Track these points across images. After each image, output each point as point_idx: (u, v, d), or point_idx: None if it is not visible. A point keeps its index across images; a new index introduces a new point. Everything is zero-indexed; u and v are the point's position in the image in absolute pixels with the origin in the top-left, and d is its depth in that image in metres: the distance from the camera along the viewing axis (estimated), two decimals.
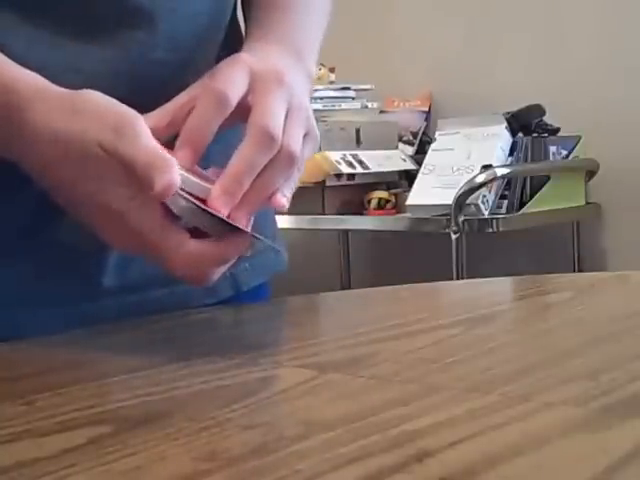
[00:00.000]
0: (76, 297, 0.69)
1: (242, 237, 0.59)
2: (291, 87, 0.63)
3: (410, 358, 0.54)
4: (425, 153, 2.32)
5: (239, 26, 0.80)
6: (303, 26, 0.75)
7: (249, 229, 0.60)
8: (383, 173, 2.40)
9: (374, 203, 2.35)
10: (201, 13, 0.71)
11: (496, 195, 2.14)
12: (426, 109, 2.67)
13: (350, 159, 2.34)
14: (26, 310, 0.68)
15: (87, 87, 0.59)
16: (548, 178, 2.23)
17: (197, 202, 0.57)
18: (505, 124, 2.20)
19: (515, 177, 2.18)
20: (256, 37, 0.71)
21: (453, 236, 2.07)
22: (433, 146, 2.30)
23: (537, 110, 2.27)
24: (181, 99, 0.62)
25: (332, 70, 2.56)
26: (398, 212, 2.32)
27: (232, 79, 0.61)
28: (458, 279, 2.03)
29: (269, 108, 0.61)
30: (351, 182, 2.36)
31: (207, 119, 0.60)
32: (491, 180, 2.09)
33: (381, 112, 2.64)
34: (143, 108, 0.60)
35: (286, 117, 0.62)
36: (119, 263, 0.70)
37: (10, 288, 0.68)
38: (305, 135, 0.64)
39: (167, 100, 0.63)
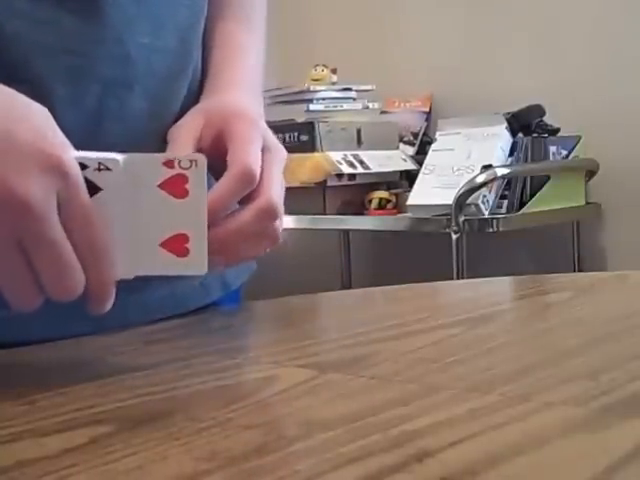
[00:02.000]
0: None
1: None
2: (260, 127, 0.65)
3: (410, 358, 0.54)
4: (426, 153, 2.32)
5: None
6: (253, 64, 0.78)
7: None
8: (384, 173, 2.40)
9: (375, 203, 2.35)
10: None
11: (496, 195, 2.14)
12: (427, 109, 2.67)
13: (351, 159, 2.34)
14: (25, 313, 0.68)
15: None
16: (548, 178, 2.23)
17: None
18: (505, 124, 2.20)
19: (515, 177, 2.18)
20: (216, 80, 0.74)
21: (453, 236, 2.07)
22: (434, 146, 2.30)
23: (537, 110, 2.27)
24: (191, 133, 0.64)
25: (334, 71, 2.57)
26: (399, 212, 2.32)
27: (248, 149, 0.62)
28: (458, 279, 2.03)
29: (247, 147, 0.62)
30: (352, 182, 2.36)
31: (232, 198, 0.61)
32: (491, 180, 2.09)
33: (382, 112, 2.64)
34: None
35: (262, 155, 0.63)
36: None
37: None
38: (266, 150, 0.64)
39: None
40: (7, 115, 0.51)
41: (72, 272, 0.50)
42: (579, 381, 0.47)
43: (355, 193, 2.37)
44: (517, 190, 2.18)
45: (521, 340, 0.61)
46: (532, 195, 2.19)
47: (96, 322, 0.67)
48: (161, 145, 0.65)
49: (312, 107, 2.42)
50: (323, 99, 2.46)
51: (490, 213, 2.12)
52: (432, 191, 2.17)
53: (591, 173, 2.34)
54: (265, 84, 0.79)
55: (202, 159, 0.55)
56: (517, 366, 0.52)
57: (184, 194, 0.55)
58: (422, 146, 2.56)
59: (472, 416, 0.41)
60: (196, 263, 0.54)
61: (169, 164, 0.54)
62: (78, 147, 0.53)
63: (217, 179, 0.60)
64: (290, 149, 2.36)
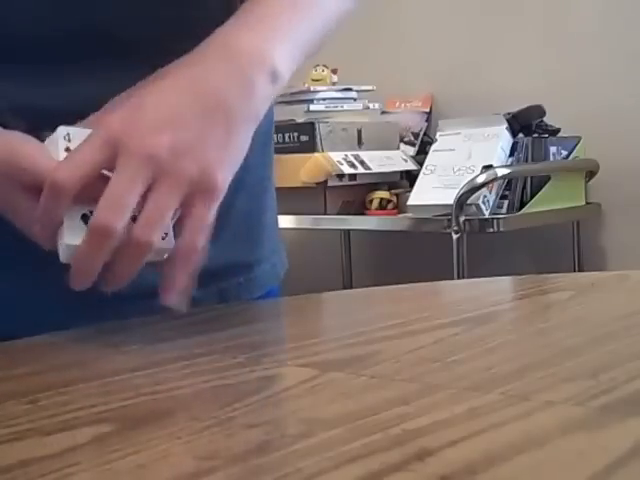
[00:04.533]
0: (77, 304, 0.70)
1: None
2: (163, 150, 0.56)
3: (411, 357, 0.54)
4: (426, 153, 2.32)
5: None
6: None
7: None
8: (384, 173, 2.40)
9: (375, 203, 2.35)
10: None
11: (497, 195, 2.15)
12: (427, 110, 2.67)
13: (352, 159, 2.35)
14: (26, 313, 0.69)
15: None
16: (548, 178, 2.23)
17: None
18: (506, 125, 2.20)
19: (516, 177, 2.18)
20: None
21: (454, 236, 2.07)
22: (434, 146, 2.30)
23: (537, 111, 2.27)
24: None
25: (334, 71, 2.57)
26: (399, 212, 2.32)
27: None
28: (459, 279, 2.03)
29: (111, 193, 0.55)
30: (353, 182, 2.36)
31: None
32: (492, 180, 2.09)
33: (383, 113, 2.64)
34: None
35: (152, 189, 0.56)
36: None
37: (11, 292, 0.68)
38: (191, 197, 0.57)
39: None
40: None
41: None
42: (579, 380, 0.48)
43: (356, 193, 2.37)
44: (517, 190, 2.18)
45: (521, 339, 0.61)
46: (532, 195, 2.19)
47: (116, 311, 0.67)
48: None
49: (313, 107, 2.42)
50: (324, 99, 2.46)
51: (491, 213, 2.12)
52: (433, 191, 2.17)
53: (591, 173, 2.34)
54: None
55: None
56: (517, 365, 0.52)
57: None
58: (423, 146, 2.56)
59: (472, 415, 0.41)
60: None
61: None
62: None
63: None
64: (290, 149, 2.38)
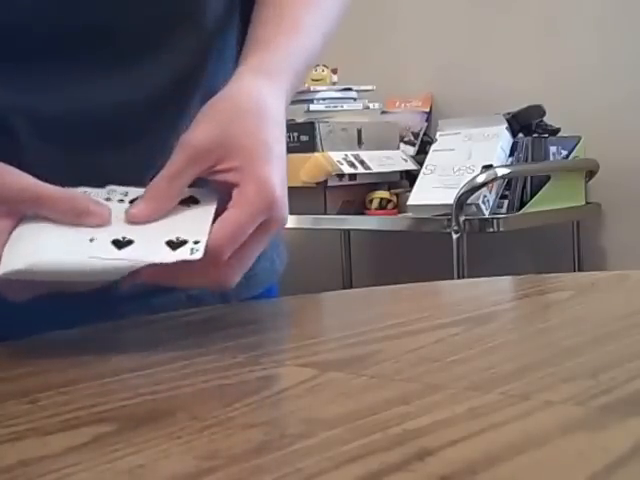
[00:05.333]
0: (76, 304, 0.70)
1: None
2: (275, 199, 0.60)
3: (411, 357, 0.55)
4: (426, 153, 2.32)
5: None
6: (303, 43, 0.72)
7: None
8: (384, 173, 2.40)
9: (375, 203, 2.35)
10: None
11: (497, 195, 2.15)
12: (427, 110, 2.67)
13: (352, 159, 2.35)
14: (25, 313, 0.69)
15: None
16: (548, 178, 2.23)
17: None
18: (506, 124, 2.20)
19: (516, 177, 2.18)
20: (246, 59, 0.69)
21: (454, 236, 2.07)
22: (434, 146, 2.30)
23: (537, 111, 2.27)
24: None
25: (334, 71, 2.57)
26: (399, 212, 2.32)
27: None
28: (459, 278, 2.03)
29: (235, 226, 0.59)
30: (353, 182, 2.36)
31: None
32: (492, 180, 2.09)
33: (382, 113, 2.64)
34: None
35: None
36: None
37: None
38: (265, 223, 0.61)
39: None
40: None
41: None
42: (579, 380, 0.48)
43: (356, 193, 2.37)
44: (517, 190, 2.18)
45: (521, 339, 0.61)
46: (532, 195, 2.19)
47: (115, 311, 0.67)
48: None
49: (313, 107, 2.42)
50: (324, 99, 2.46)
51: (490, 213, 2.12)
52: (433, 191, 2.17)
53: (591, 173, 2.34)
54: None
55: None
56: (517, 365, 0.52)
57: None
58: (423, 146, 2.56)
59: (472, 415, 0.41)
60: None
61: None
62: None
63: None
64: (290, 149, 2.37)
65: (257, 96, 0.65)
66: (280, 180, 0.61)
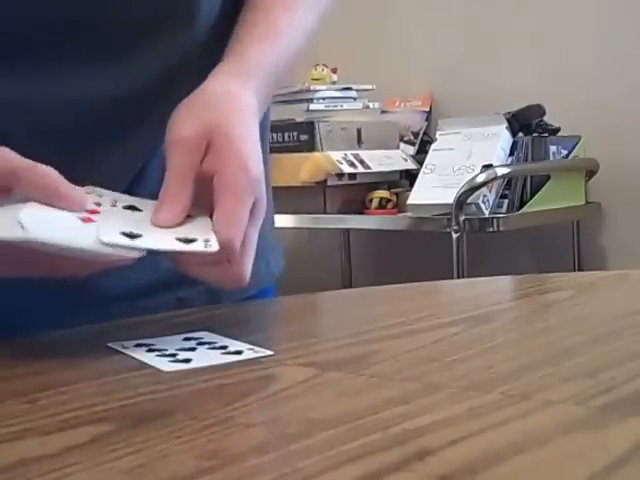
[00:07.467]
0: (71, 304, 0.70)
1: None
2: (257, 177, 0.61)
3: (411, 357, 0.55)
4: (426, 153, 2.32)
5: None
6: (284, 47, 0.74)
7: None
8: (384, 173, 2.40)
9: (375, 202, 2.35)
10: None
11: (497, 194, 2.15)
12: (427, 109, 2.67)
13: (351, 159, 2.35)
14: (25, 313, 0.69)
15: None
16: (548, 178, 2.23)
17: None
18: (505, 124, 2.20)
19: (515, 177, 2.18)
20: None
21: (454, 235, 2.07)
22: (434, 146, 2.30)
23: (537, 110, 2.27)
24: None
25: (334, 71, 2.57)
26: (399, 211, 2.32)
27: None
28: (459, 278, 2.03)
29: (234, 216, 0.59)
30: (352, 182, 2.36)
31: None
32: (492, 180, 2.09)
33: (382, 112, 2.64)
34: None
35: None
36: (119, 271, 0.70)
37: (11, 294, 0.68)
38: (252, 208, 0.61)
39: None
40: None
41: None
42: (579, 380, 0.48)
43: (355, 192, 2.37)
44: (517, 190, 2.18)
45: (521, 339, 0.61)
46: (532, 195, 2.19)
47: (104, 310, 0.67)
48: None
49: (312, 107, 2.42)
50: (323, 99, 2.46)
51: (490, 212, 2.12)
52: (432, 190, 2.17)
53: (591, 173, 2.34)
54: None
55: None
56: (517, 365, 0.52)
57: None
58: (422, 146, 2.56)
59: (472, 415, 0.41)
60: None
61: None
62: None
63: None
64: (290, 149, 2.38)
65: (227, 89, 0.66)
66: (257, 160, 0.62)
